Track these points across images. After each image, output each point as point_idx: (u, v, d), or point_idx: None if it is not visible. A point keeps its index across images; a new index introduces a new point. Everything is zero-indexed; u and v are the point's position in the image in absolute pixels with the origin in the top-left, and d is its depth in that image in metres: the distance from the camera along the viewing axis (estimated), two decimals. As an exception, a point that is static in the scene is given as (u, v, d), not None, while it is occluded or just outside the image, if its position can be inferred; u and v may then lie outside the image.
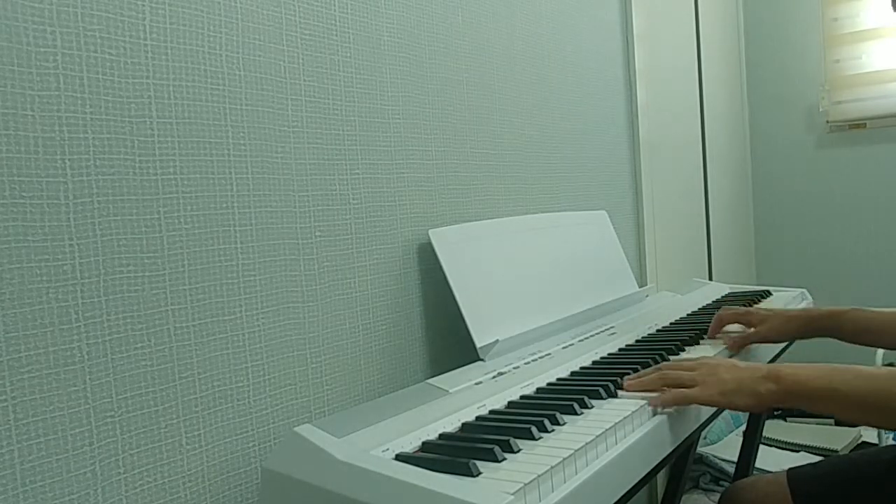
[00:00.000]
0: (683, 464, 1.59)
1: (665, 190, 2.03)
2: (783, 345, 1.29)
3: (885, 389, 0.78)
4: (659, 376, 0.87)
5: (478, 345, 1.03)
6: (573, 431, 0.72)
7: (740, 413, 2.33)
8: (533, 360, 1.03)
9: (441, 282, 1.07)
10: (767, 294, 1.58)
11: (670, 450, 0.82)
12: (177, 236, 0.80)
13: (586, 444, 0.68)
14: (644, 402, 0.81)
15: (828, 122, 2.58)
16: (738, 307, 1.19)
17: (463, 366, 1.00)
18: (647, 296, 1.52)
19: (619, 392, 0.87)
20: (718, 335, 1.17)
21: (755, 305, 1.42)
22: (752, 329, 1.14)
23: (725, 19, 2.62)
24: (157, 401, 0.78)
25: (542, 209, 1.45)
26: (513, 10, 1.39)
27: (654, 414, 0.82)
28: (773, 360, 1.24)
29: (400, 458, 0.69)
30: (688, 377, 0.85)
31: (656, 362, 0.98)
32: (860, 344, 1.10)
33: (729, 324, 1.18)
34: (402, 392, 0.89)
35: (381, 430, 0.75)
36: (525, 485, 0.59)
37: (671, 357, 1.03)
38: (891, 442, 2.08)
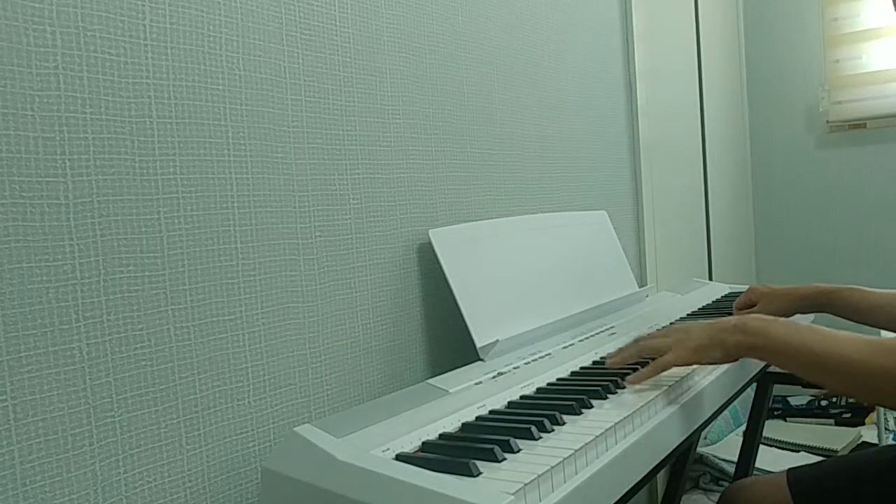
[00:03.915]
0: (683, 464, 1.59)
1: (665, 190, 2.03)
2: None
3: (845, 354, 0.76)
4: (637, 349, 0.90)
5: (478, 345, 1.02)
6: (573, 431, 0.72)
7: (740, 413, 2.33)
8: (533, 360, 1.03)
9: (441, 282, 1.07)
10: (767, 294, 1.58)
11: (670, 450, 0.82)
12: (177, 236, 0.80)
13: (586, 444, 0.68)
14: (644, 402, 0.81)
15: (828, 122, 2.58)
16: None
17: (463, 366, 1.00)
18: (647, 296, 1.52)
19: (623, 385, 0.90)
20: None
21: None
22: (752, 308, 1.24)
23: (725, 19, 2.62)
24: (157, 401, 0.78)
25: (542, 209, 1.45)
26: (513, 9, 1.39)
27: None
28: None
29: (400, 458, 0.69)
30: (662, 343, 0.88)
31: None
32: (853, 321, 1.14)
33: (744, 307, 1.28)
34: (402, 392, 0.89)
35: (381, 430, 0.75)
36: (525, 485, 0.59)
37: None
38: (891, 442, 2.08)
